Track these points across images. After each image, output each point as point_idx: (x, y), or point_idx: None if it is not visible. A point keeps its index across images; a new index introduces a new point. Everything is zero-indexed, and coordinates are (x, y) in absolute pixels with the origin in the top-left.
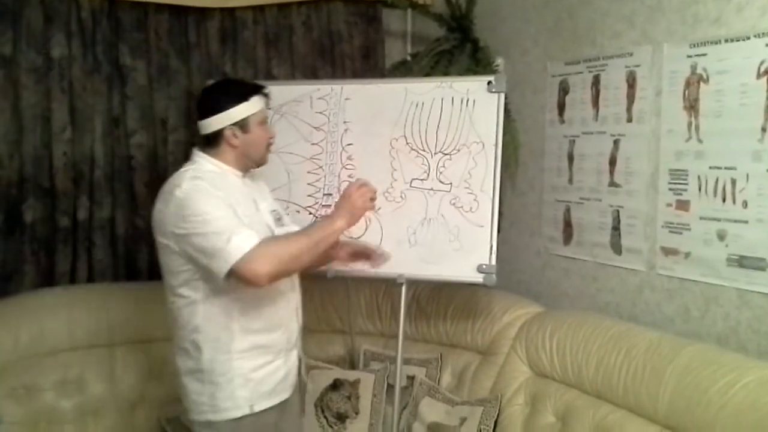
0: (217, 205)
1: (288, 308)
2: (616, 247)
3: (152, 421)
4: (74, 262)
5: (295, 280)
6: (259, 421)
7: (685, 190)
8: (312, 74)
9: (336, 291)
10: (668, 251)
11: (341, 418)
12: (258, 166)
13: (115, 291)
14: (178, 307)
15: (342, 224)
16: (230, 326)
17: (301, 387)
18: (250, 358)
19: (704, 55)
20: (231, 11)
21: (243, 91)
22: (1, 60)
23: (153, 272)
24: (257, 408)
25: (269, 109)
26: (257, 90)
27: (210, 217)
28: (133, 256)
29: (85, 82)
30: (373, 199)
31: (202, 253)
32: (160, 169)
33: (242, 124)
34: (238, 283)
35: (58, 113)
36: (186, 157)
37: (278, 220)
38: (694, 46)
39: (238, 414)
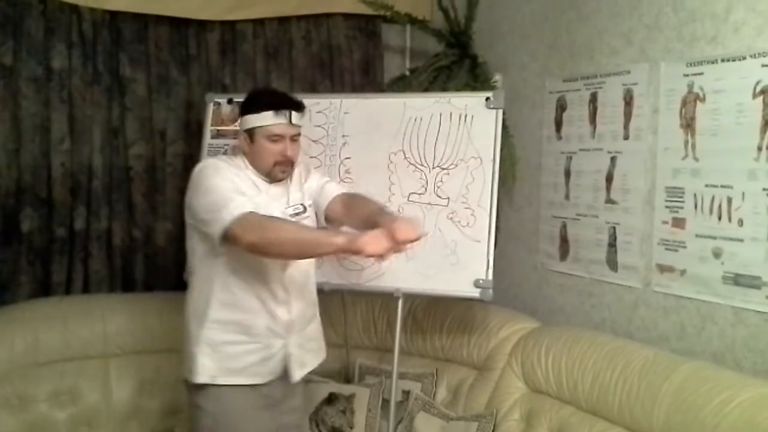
0: (223, 177)
1: (275, 301)
2: (612, 264)
3: None
4: (70, 272)
5: (307, 289)
6: (226, 396)
7: (681, 207)
8: (311, 88)
9: (332, 304)
10: (664, 268)
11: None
12: (270, 179)
13: (110, 302)
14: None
15: (341, 243)
16: (210, 297)
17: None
18: (222, 331)
19: (701, 74)
20: (231, 24)
21: (259, 103)
22: (1, 69)
23: (149, 283)
24: (220, 381)
25: (292, 125)
26: (272, 106)
27: (212, 188)
28: (129, 267)
29: (84, 92)
30: (391, 249)
31: (203, 221)
32: (158, 181)
33: (250, 134)
34: (232, 247)
35: (58, 123)
36: (185, 169)
37: (297, 214)
38: (691, 65)
39: (200, 380)
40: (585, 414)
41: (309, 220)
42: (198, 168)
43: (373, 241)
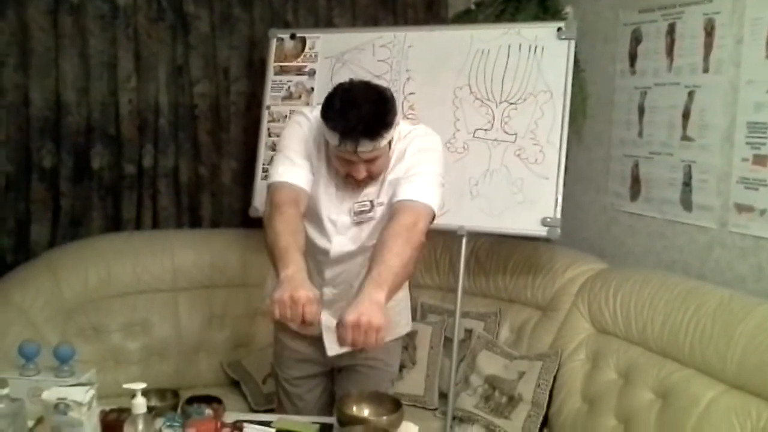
0: (299, 138)
1: (319, 274)
2: (687, 204)
3: (215, 364)
4: (139, 208)
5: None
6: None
7: (764, 144)
8: (373, 24)
9: None
10: (742, 208)
11: (399, 368)
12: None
13: (179, 237)
14: None
15: (279, 278)
16: None
17: None
18: None
19: None
20: None
21: (329, 116)
22: (68, 7)
23: (215, 221)
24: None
25: (357, 153)
26: (337, 129)
27: (284, 137)
28: (196, 204)
29: (149, 30)
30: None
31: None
32: (223, 119)
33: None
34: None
35: (124, 61)
36: (248, 108)
37: (361, 212)
38: None
39: (266, 292)
40: (654, 355)
41: (375, 222)
42: (299, 112)
43: (280, 305)
